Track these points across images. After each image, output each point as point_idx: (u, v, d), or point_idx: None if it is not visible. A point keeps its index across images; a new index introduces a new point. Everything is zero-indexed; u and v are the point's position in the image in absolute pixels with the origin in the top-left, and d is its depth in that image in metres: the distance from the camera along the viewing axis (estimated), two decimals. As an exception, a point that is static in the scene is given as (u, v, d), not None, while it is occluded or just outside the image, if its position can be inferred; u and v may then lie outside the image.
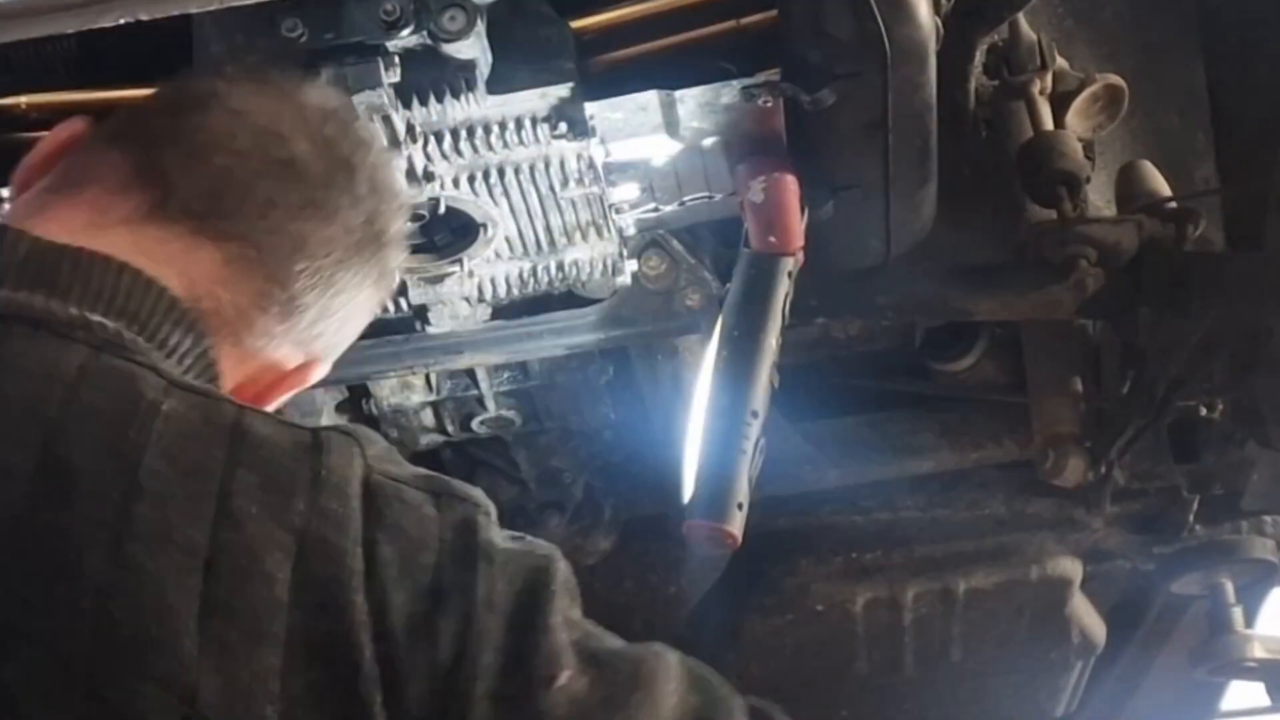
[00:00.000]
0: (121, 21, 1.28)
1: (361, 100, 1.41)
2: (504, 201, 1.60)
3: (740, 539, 1.51)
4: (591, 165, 1.57)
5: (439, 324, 1.76)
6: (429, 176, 1.54)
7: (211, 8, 1.31)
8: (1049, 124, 2.03)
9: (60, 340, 1.00)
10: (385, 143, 1.39)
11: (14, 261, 1.04)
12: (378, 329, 1.82)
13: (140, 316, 1.06)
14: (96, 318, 1.03)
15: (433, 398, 2.04)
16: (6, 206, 1.22)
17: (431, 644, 0.96)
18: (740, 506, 1.50)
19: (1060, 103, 2.05)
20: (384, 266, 1.26)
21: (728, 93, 1.52)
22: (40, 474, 0.93)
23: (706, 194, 1.67)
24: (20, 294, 1.02)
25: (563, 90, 1.49)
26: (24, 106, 1.58)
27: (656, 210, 1.69)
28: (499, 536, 1.03)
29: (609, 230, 1.66)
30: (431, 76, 1.45)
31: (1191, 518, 2.43)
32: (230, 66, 1.31)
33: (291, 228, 1.16)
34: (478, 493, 1.05)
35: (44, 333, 1.00)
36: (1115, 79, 2.07)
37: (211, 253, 1.13)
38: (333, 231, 1.19)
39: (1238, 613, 2.46)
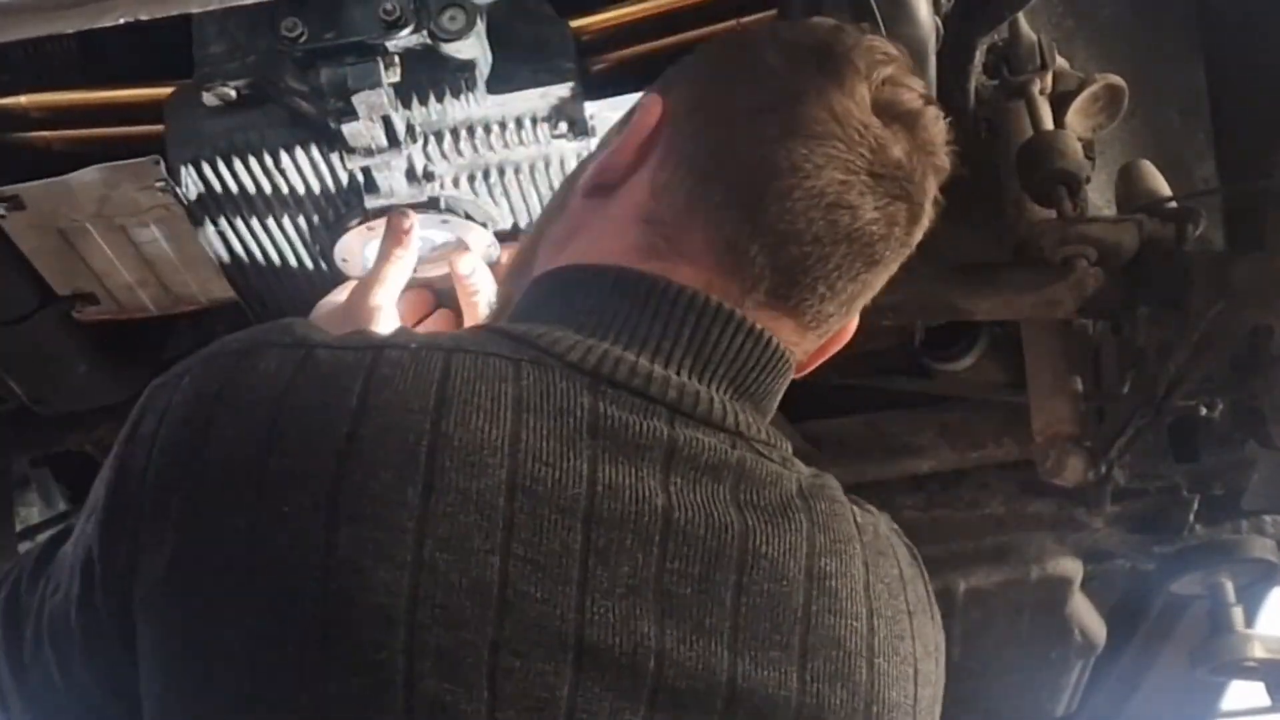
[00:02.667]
0: (122, 21, 1.28)
1: (361, 100, 1.41)
2: (504, 201, 1.60)
3: (740, 538, 1.50)
4: (591, 165, 1.56)
5: (439, 324, 1.76)
6: (429, 176, 1.54)
7: (211, 8, 1.31)
8: (1049, 124, 2.03)
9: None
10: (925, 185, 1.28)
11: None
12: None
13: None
14: None
15: (433, 397, 2.04)
16: (581, 201, 1.25)
17: None
18: (740, 506, 1.49)
19: (1060, 103, 2.05)
20: None
21: (728, 93, 1.52)
22: None
23: (706, 194, 1.66)
24: None
25: (563, 90, 1.49)
26: (25, 106, 1.58)
27: (656, 210, 1.68)
28: None
29: (609, 230, 1.66)
30: (431, 76, 1.45)
31: (1191, 518, 2.43)
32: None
33: (850, 288, 1.22)
34: None
35: None
36: (1115, 79, 2.06)
37: (789, 323, 1.21)
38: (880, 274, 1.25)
39: (1238, 613, 2.46)
